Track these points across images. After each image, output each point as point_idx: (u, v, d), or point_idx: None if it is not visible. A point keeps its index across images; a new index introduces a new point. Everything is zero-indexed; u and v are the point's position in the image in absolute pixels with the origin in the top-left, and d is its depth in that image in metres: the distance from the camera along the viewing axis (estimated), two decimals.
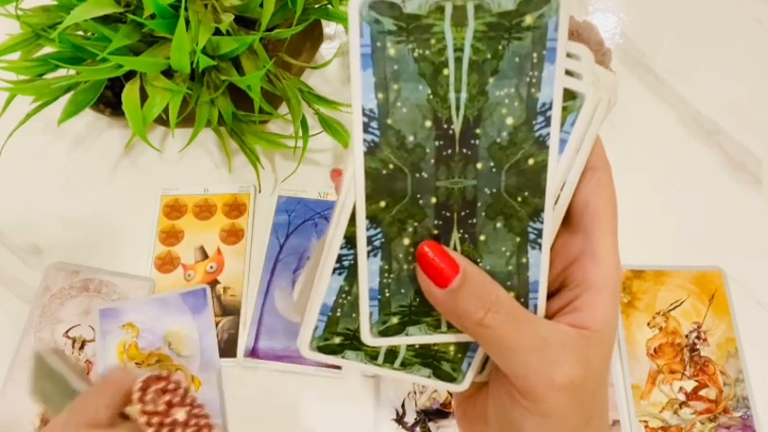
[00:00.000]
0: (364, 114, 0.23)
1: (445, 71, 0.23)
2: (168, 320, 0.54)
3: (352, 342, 0.27)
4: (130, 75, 0.52)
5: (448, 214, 0.25)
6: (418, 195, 0.25)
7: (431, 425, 0.50)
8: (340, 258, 0.26)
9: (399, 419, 0.50)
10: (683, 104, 0.64)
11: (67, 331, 0.54)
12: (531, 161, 0.25)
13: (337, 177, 0.27)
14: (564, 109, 0.25)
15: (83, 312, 0.54)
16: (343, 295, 0.27)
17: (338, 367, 0.52)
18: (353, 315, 0.27)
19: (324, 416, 0.51)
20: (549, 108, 0.24)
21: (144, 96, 0.52)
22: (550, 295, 0.28)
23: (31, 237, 0.59)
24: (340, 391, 0.52)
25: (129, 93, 0.52)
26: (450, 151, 0.24)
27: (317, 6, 0.58)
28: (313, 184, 0.60)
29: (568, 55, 0.25)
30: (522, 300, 0.26)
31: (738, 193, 0.60)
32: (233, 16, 0.51)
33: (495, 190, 0.25)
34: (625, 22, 0.69)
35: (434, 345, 0.28)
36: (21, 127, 0.54)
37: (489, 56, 0.23)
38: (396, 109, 0.23)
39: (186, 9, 0.48)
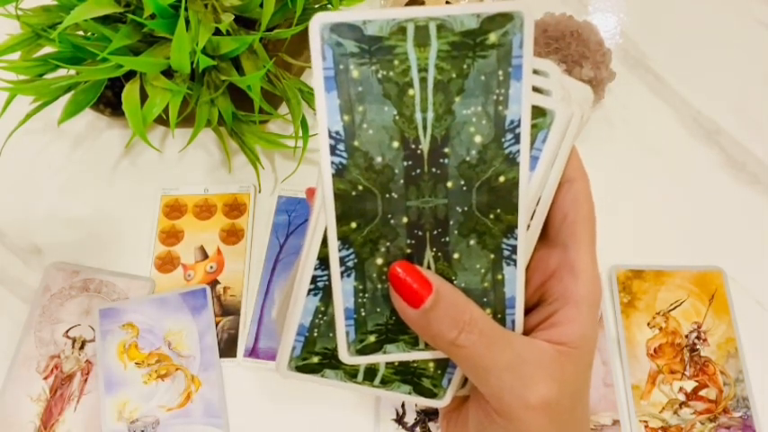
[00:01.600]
0: (331, 137, 0.23)
1: (410, 92, 0.23)
2: (168, 320, 0.54)
3: (330, 361, 0.27)
4: (130, 75, 0.52)
5: (420, 233, 0.25)
6: (389, 215, 0.25)
7: (431, 425, 0.50)
8: (314, 279, 0.26)
9: (399, 419, 0.50)
10: (683, 104, 0.64)
11: (67, 331, 0.54)
12: (501, 178, 0.24)
13: (312, 197, 0.27)
14: (534, 126, 0.25)
15: (83, 312, 0.54)
16: (320, 315, 0.27)
17: None
18: (330, 335, 0.27)
19: (324, 416, 0.51)
20: (518, 125, 0.24)
21: (144, 96, 0.52)
22: (530, 309, 0.27)
23: (31, 237, 0.59)
24: (340, 390, 0.52)
25: (129, 93, 0.52)
26: (419, 171, 0.24)
27: (316, 6, 0.58)
28: (313, 184, 0.60)
29: (536, 71, 0.25)
30: (499, 316, 0.26)
31: (738, 193, 0.60)
32: (233, 16, 0.51)
33: (466, 208, 0.25)
34: (625, 22, 0.69)
35: (413, 362, 0.28)
36: (21, 127, 0.54)
37: (454, 75, 0.23)
38: (362, 131, 0.23)
39: (186, 9, 0.48)
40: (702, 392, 0.51)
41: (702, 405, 0.51)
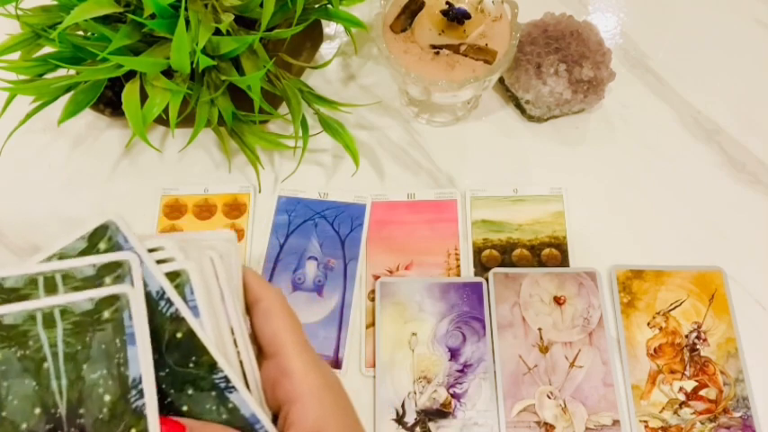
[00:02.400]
0: None
1: (45, 365, 0.28)
2: None
3: None
4: (130, 75, 0.52)
5: None
6: None
7: (431, 425, 0.50)
8: None
9: (399, 419, 0.50)
10: (683, 104, 0.64)
11: None
12: (132, 431, 0.28)
13: None
14: (177, 286, 0.29)
15: None
16: None
17: (338, 367, 0.52)
18: None
19: None
20: (140, 382, 0.28)
21: (144, 96, 0.52)
22: (277, 415, 0.31)
23: (31, 237, 0.59)
24: None
25: (129, 93, 0.52)
26: None
27: (317, 6, 0.58)
28: (313, 184, 0.60)
29: (156, 249, 0.30)
30: None
31: (738, 193, 0.60)
32: (233, 16, 0.51)
33: None
34: (625, 22, 0.69)
35: None
36: (21, 127, 0.54)
37: (80, 347, 0.28)
38: (8, 402, 0.28)
39: (186, 9, 0.48)
40: (702, 392, 0.51)
41: (702, 405, 0.51)
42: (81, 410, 0.28)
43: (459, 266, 0.56)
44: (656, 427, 0.50)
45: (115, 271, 0.29)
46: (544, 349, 0.52)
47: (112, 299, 0.28)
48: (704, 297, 0.54)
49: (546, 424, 0.50)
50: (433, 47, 0.56)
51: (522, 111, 0.63)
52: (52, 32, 0.50)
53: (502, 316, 0.53)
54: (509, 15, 0.57)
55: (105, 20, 0.50)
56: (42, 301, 0.28)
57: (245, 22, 0.53)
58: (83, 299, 0.28)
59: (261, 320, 0.32)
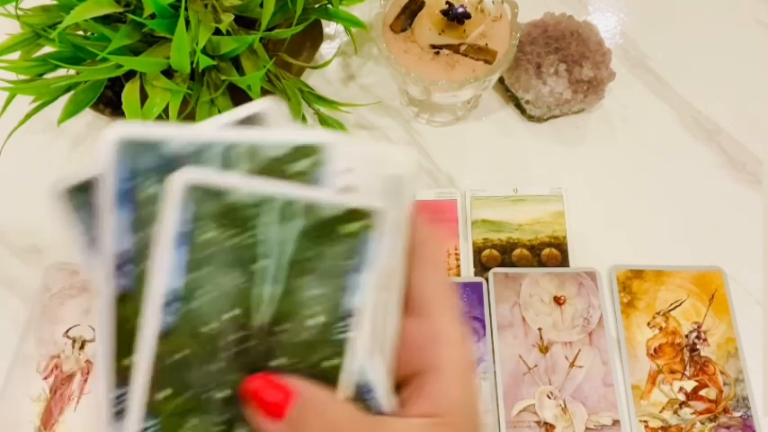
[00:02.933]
0: (167, 294, 0.22)
1: (264, 262, 0.22)
2: None
3: None
4: (130, 75, 0.52)
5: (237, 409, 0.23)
6: (209, 387, 0.22)
7: None
8: None
9: None
10: (683, 104, 0.64)
11: (67, 331, 0.54)
12: (324, 363, 0.23)
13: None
14: (353, 234, 0.23)
15: (83, 312, 0.54)
16: None
17: None
18: None
19: None
20: (354, 314, 0.23)
21: (144, 96, 0.52)
22: (403, 383, 0.26)
23: (31, 237, 0.59)
24: None
25: (129, 93, 0.52)
26: (252, 343, 0.22)
27: (317, 6, 0.58)
28: None
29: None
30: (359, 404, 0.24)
31: (738, 193, 0.60)
32: (233, 16, 0.51)
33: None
34: (625, 22, 0.69)
35: None
36: (21, 127, 0.54)
37: (311, 254, 0.22)
38: (203, 291, 0.22)
39: (186, 9, 0.48)
40: (702, 392, 0.51)
41: (702, 405, 0.51)
42: (284, 326, 0.23)
43: (459, 266, 0.56)
44: (656, 427, 0.50)
45: (364, 219, 0.22)
46: (544, 349, 0.52)
47: (363, 213, 0.22)
48: (704, 297, 0.54)
49: (546, 424, 0.50)
50: (433, 47, 0.56)
51: (522, 111, 0.63)
52: (52, 32, 0.50)
53: (502, 316, 0.53)
54: (509, 15, 0.57)
55: (105, 20, 0.50)
56: (288, 187, 0.22)
57: (245, 22, 0.53)
58: (335, 202, 0.22)
59: (419, 269, 0.27)
